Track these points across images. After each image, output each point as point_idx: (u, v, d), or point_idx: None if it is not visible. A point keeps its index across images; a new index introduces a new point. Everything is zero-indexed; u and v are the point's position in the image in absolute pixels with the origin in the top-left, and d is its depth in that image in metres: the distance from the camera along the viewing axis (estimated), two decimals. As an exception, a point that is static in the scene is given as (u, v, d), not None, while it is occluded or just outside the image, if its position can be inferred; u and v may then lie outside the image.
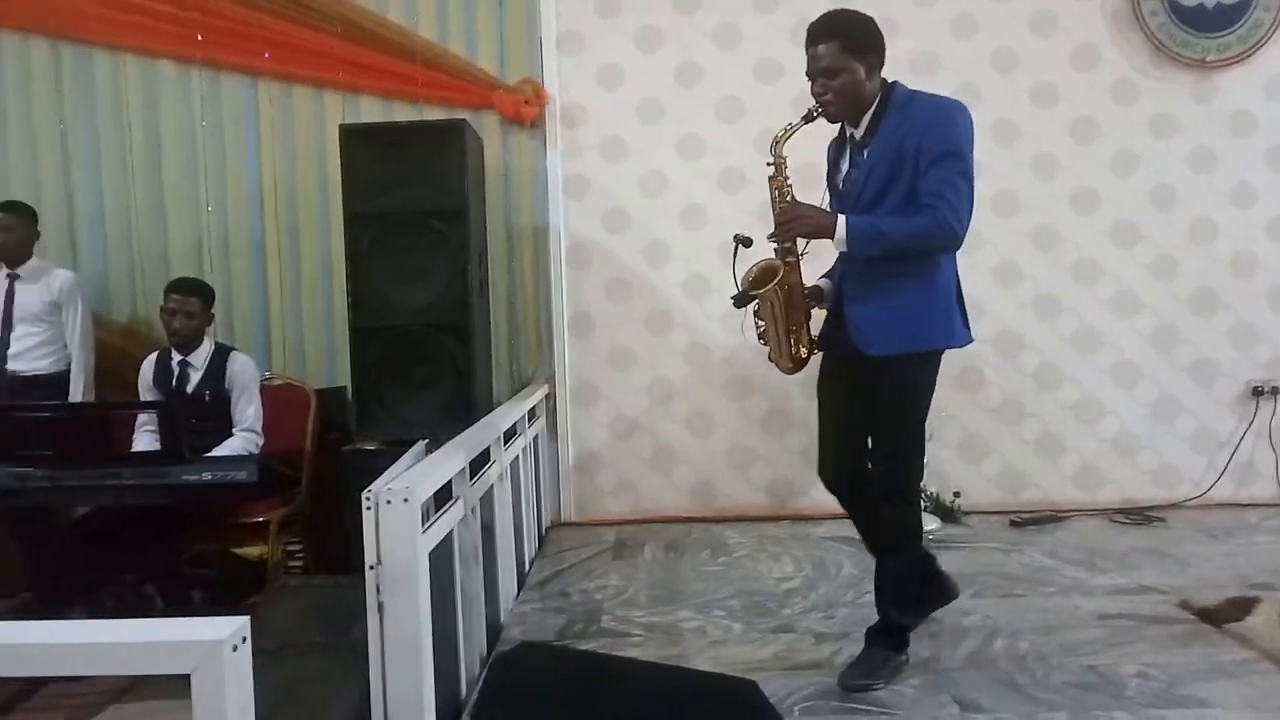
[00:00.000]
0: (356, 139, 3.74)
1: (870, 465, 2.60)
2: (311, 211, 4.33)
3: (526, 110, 4.27)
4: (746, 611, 3.12)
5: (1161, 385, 4.37)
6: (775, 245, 2.50)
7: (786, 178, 2.50)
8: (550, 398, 4.33)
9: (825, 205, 2.56)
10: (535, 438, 4.01)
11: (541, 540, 4.06)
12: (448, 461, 2.48)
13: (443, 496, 2.43)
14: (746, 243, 2.47)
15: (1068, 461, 4.36)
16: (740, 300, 2.49)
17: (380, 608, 2.05)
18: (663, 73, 4.33)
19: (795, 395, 4.29)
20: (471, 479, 2.68)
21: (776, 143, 2.47)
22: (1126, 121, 4.31)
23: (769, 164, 2.49)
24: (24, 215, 3.83)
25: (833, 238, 2.39)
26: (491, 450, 3.02)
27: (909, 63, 4.26)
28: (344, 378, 4.08)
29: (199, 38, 4.24)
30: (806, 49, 2.44)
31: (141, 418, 3.51)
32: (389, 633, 2.05)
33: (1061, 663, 2.61)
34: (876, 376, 2.47)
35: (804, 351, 2.53)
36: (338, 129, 3.82)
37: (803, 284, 2.53)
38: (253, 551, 3.56)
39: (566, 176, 4.35)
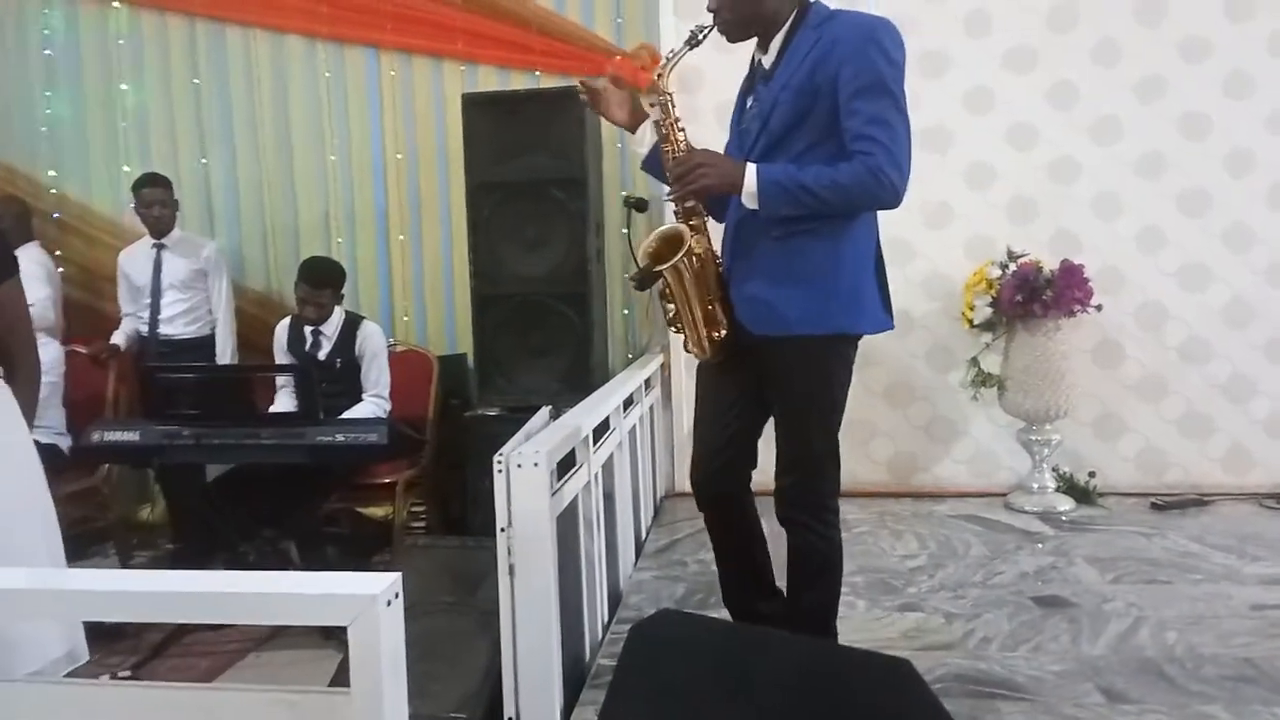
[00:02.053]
0: (478, 108, 3.77)
1: (777, 480, 2.14)
2: (433, 181, 4.40)
3: (643, 76, 4.21)
4: (870, 589, 3.03)
5: (1322, 362, 4.05)
6: (675, 206, 2.08)
7: (677, 119, 2.06)
8: (665, 367, 4.31)
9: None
10: (651, 407, 4.00)
11: (657, 510, 4.06)
12: (573, 427, 2.48)
13: (567, 463, 2.43)
14: (640, 206, 2.07)
15: (1215, 442, 4.08)
16: (642, 281, 2.03)
17: (511, 569, 2.07)
18: (783, 35, 4.21)
19: (920, 367, 4.15)
20: (594, 446, 2.68)
21: (659, 76, 2.04)
22: (1286, 77, 3.98)
23: (650, 104, 2.06)
24: (170, 187, 4.02)
25: (740, 191, 1.95)
26: (611, 418, 3.02)
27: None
28: (465, 345, 4.16)
29: (324, 11, 4.34)
30: None
31: (281, 379, 3.65)
32: (519, 594, 2.06)
33: (1214, 654, 2.44)
34: (775, 366, 2.06)
35: (724, 331, 2.09)
36: (459, 98, 3.86)
37: (713, 250, 2.10)
38: (378, 512, 3.69)
39: (683, 143, 4.28)
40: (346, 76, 4.42)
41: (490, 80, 4.32)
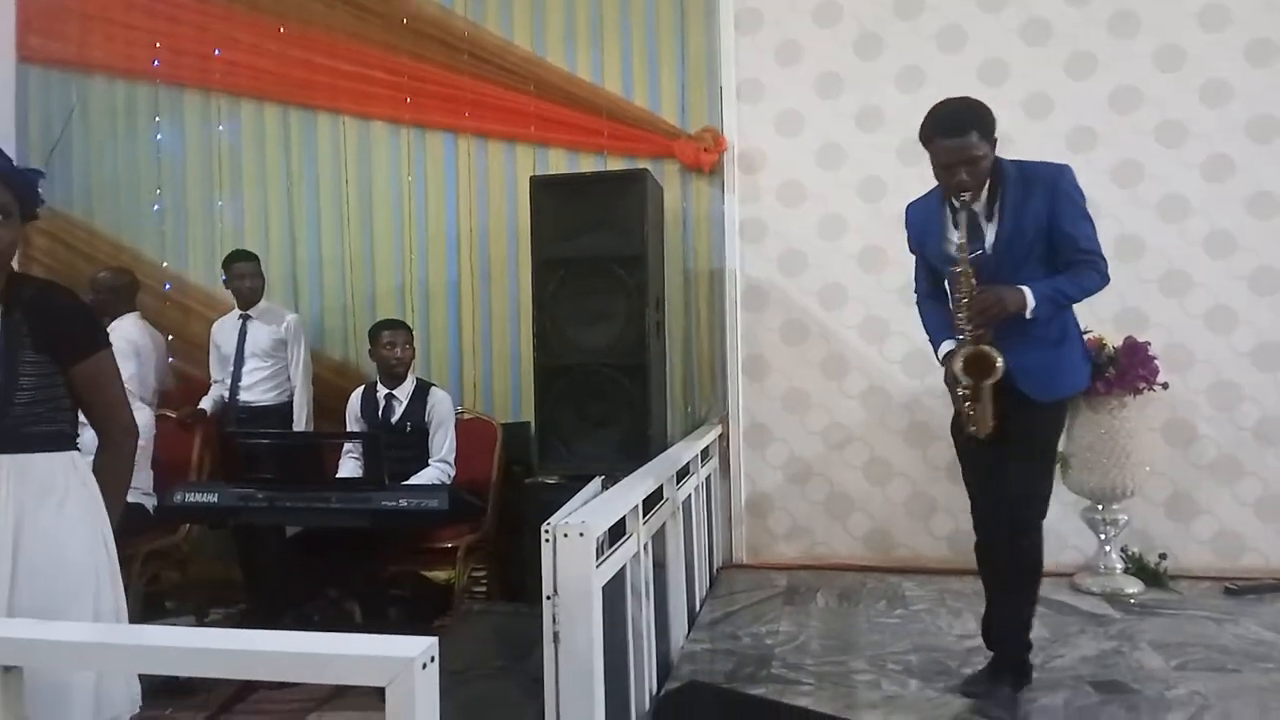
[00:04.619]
0: (545, 189, 3.97)
1: (1014, 507, 2.66)
2: (502, 257, 4.60)
3: (705, 157, 4.38)
4: (924, 668, 3.00)
5: None
6: (969, 329, 2.57)
7: (972, 270, 2.57)
8: (724, 438, 4.36)
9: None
10: (708, 477, 4.05)
11: (713, 581, 4.07)
12: (622, 498, 2.55)
13: (617, 532, 2.50)
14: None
15: (1294, 526, 3.94)
16: (974, 397, 2.58)
17: (556, 637, 2.13)
18: (843, 118, 4.33)
19: (979, 444, 4.11)
20: (645, 516, 2.74)
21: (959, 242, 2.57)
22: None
23: (956, 268, 2.57)
24: (258, 263, 4.29)
25: (1025, 310, 2.50)
26: (664, 488, 3.08)
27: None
28: (528, 413, 4.29)
29: (408, 99, 4.63)
30: (940, 139, 2.56)
31: (347, 445, 3.82)
32: (564, 661, 2.12)
33: (1283, 749, 2.36)
34: (1031, 419, 2.61)
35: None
36: (528, 180, 4.05)
37: None
38: (440, 575, 3.79)
39: (743, 221, 4.41)
40: (426, 158, 4.69)
41: (560, 162, 4.53)
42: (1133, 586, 3.74)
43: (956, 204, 2.57)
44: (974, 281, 2.55)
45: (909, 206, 2.86)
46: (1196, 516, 4.01)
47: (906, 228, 2.85)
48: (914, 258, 2.90)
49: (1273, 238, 3.95)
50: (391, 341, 3.78)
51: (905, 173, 4.22)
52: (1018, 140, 4.16)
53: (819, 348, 4.36)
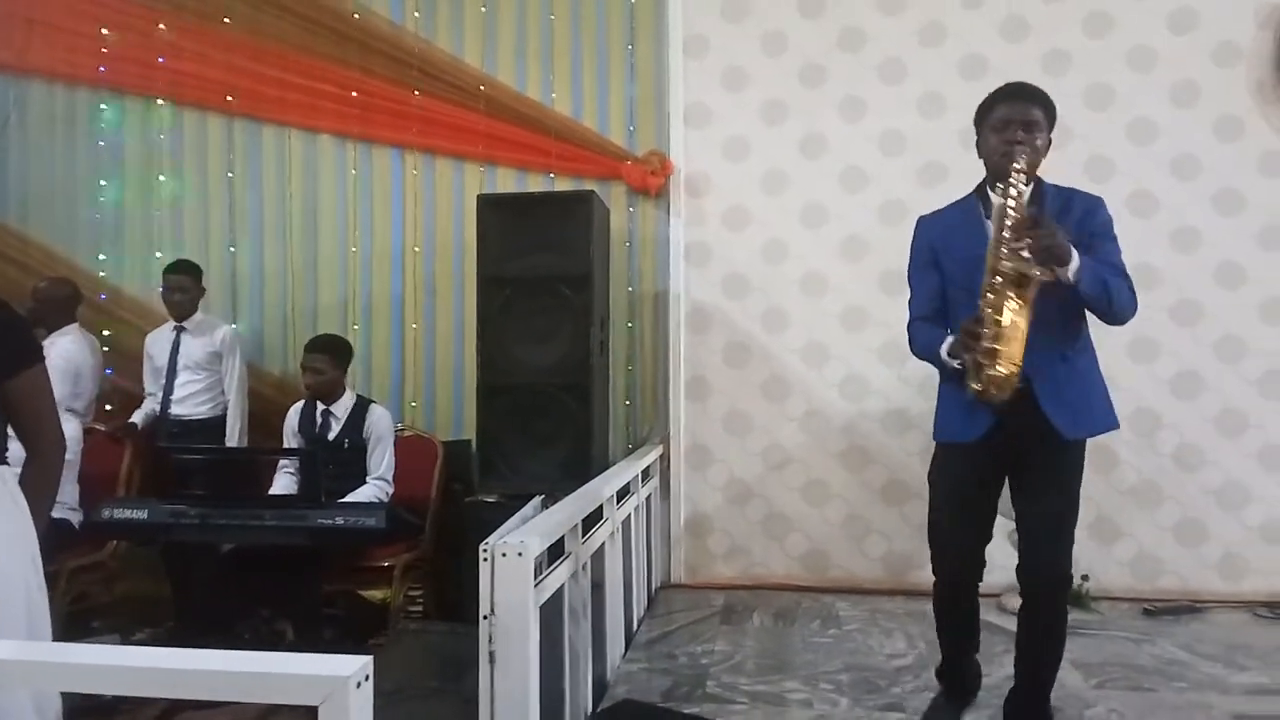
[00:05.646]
0: (492, 207, 3.98)
1: (1039, 555, 2.54)
2: (448, 274, 4.59)
3: (652, 180, 4.44)
4: (855, 687, 3.06)
5: (1316, 472, 4.08)
6: (1007, 264, 2.29)
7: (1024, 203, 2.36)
8: (665, 458, 4.40)
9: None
10: (648, 497, 4.07)
11: (651, 600, 4.09)
12: (560, 518, 2.56)
13: (555, 551, 2.51)
14: None
15: (1209, 549, 4.10)
16: (999, 340, 2.29)
17: (492, 657, 2.13)
18: (787, 144, 4.41)
19: (915, 466, 4.21)
20: (583, 536, 2.76)
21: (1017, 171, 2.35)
22: (1272, 193, 4.11)
23: (1013, 181, 2.33)
24: (195, 275, 4.22)
25: (1068, 266, 2.27)
26: (604, 508, 3.10)
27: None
28: (469, 431, 4.28)
29: (356, 114, 4.60)
30: (1002, 103, 2.44)
31: (283, 461, 3.77)
32: (499, 681, 2.13)
33: (1193, 765, 2.45)
34: (1060, 462, 2.48)
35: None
36: (475, 198, 4.06)
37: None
38: (376, 594, 3.74)
39: (688, 244, 4.46)
40: (373, 174, 4.67)
41: (508, 180, 4.55)
42: (1057, 607, 3.85)
43: (1012, 168, 2.32)
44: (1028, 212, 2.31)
45: (921, 220, 2.68)
46: (1118, 539, 4.16)
47: (916, 245, 2.66)
48: (909, 282, 2.71)
49: (1194, 270, 4.13)
50: (302, 365, 3.76)
51: (847, 200, 4.36)
52: (955, 171, 4.31)
53: (760, 370, 4.43)
